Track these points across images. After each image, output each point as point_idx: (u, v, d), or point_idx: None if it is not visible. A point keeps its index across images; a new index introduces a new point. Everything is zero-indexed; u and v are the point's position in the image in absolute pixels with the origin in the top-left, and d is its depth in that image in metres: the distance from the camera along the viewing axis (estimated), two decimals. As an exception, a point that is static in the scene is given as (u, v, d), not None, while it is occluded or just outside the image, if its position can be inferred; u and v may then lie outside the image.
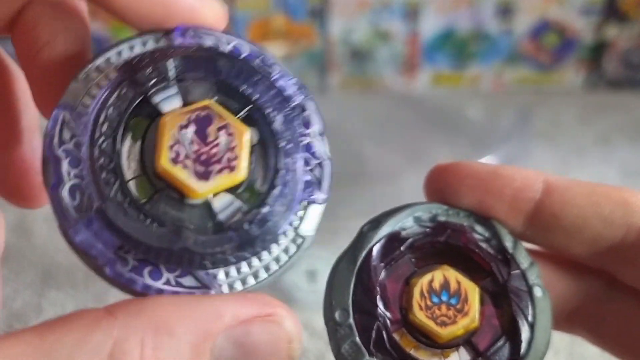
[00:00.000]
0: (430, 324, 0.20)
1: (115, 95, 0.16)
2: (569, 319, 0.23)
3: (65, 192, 0.15)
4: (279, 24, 0.63)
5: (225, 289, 0.16)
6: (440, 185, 0.22)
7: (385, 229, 0.21)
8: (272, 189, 0.16)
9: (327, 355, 0.42)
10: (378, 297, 0.20)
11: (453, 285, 0.20)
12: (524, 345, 0.20)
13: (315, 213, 0.17)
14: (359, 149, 0.59)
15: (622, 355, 0.23)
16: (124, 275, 0.15)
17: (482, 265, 0.21)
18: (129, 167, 0.15)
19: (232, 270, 0.16)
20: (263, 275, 0.17)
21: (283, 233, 0.16)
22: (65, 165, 0.15)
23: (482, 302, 0.21)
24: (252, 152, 0.16)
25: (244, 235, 0.15)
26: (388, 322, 0.20)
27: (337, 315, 0.20)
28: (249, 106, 0.16)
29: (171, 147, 0.15)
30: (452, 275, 0.21)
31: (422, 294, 0.20)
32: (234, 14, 0.63)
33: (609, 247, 0.21)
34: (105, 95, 0.16)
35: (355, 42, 0.64)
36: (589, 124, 0.62)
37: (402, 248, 0.21)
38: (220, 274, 0.16)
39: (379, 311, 0.20)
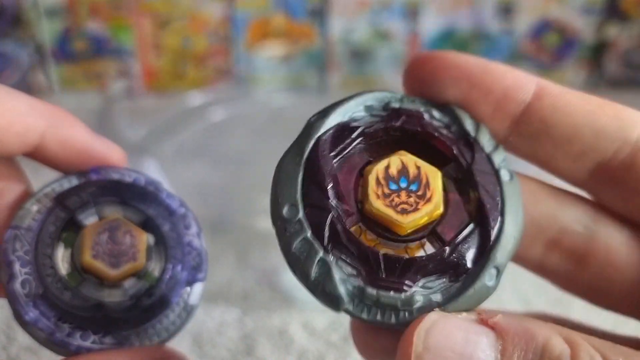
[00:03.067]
0: (390, 213, 0.18)
1: (52, 216, 0.22)
2: (547, 248, 0.21)
3: (17, 285, 0.21)
4: (278, 23, 0.63)
5: (136, 344, 0.22)
6: (421, 74, 0.20)
7: (334, 119, 0.19)
8: (165, 274, 0.22)
9: (327, 355, 0.42)
10: (329, 188, 0.18)
11: (412, 171, 0.18)
12: (494, 232, 0.19)
13: (198, 289, 0.23)
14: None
15: (600, 300, 0.22)
16: (61, 340, 0.21)
17: (443, 151, 0.19)
18: (63, 266, 0.22)
19: (141, 331, 0.22)
20: (164, 334, 0.22)
21: (175, 304, 0.22)
22: (17, 266, 0.21)
23: (445, 190, 0.19)
24: (150, 250, 0.22)
25: (146, 305, 0.22)
26: (343, 215, 0.18)
27: (284, 211, 0.18)
28: (145, 218, 0.23)
29: (92, 247, 0.22)
30: (411, 160, 0.19)
31: (378, 182, 0.18)
32: (233, 13, 0.63)
33: (598, 162, 0.20)
34: (44, 217, 0.22)
35: (355, 41, 0.64)
36: (589, 124, 0.62)
37: (352, 136, 0.19)
38: (132, 334, 0.22)
39: (332, 203, 0.18)
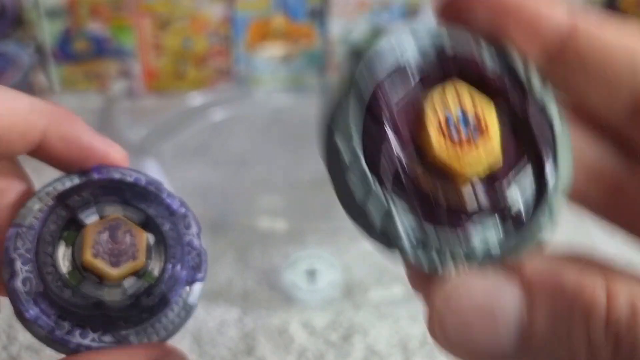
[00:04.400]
0: (454, 164, 0.18)
1: (53, 215, 0.22)
2: (586, 180, 0.21)
3: (18, 282, 0.21)
4: (278, 24, 0.63)
5: (135, 343, 0.22)
6: (453, 6, 0.20)
7: (389, 61, 0.19)
8: (165, 273, 0.22)
9: (327, 355, 0.42)
10: (391, 134, 0.18)
11: (467, 104, 0.18)
12: (549, 179, 0.19)
13: (197, 288, 0.23)
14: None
15: (635, 228, 0.21)
16: (61, 337, 0.21)
17: (497, 95, 0.19)
18: (64, 264, 0.22)
19: (140, 330, 0.22)
20: (163, 333, 0.22)
21: (175, 303, 0.23)
22: (18, 264, 0.22)
23: (501, 131, 0.19)
24: (150, 249, 0.23)
25: (145, 304, 0.22)
26: (405, 161, 0.18)
27: (347, 156, 0.18)
28: (146, 217, 0.23)
29: (92, 246, 0.22)
30: (464, 91, 0.19)
31: (437, 127, 0.18)
32: (233, 14, 0.63)
33: (635, 102, 0.19)
34: (46, 215, 0.22)
35: (354, 42, 0.64)
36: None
37: (411, 84, 0.19)
38: (131, 333, 0.22)
39: (395, 150, 0.18)
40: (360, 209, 0.18)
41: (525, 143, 0.19)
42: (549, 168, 0.19)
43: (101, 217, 0.23)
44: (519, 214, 0.19)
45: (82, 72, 0.66)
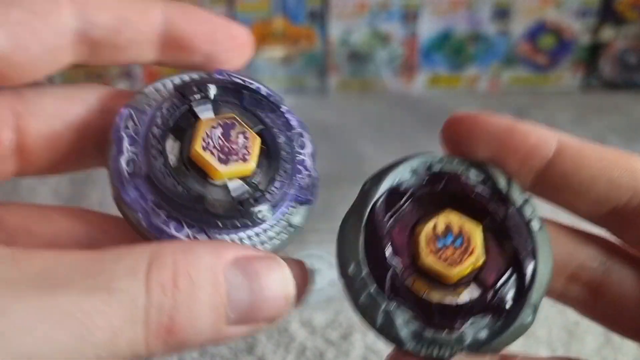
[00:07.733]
0: (440, 266, 0.21)
1: (168, 102, 0.21)
2: (568, 281, 0.23)
3: (123, 161, 0.20)
4: (278, 26, 0.63)
5: None
6: (455, 136, 0.23)
7: (386, 184, 0.22)
8: (272, 183, 0.21)
9: (326, 353, 0.42)
10: (387, 247, 0.21)
11: (455, 228, 0.21)
12: (528, 276, 0.21)
13: (304, 210, 0.22)
14: (357, 150, 0.59)
15: (613, 326, 0.23)
16: (156, 225, 0.20)
17: (480, 207, 0.22)
18: (170, 158, 0.21)
19: (236, 239, 0.21)
20: (260, 248, 0.21)
21: (277, 220, 0.21)
22: (125, 143, 0.20)
23: (485, 240, 0.22)
24: (262, 158, 0.21)
25: (248, 209, 0.20)
26: (399, 269, 0.21)
27: (350, 269, 0.21)
28: (262, 126, 0.22)
29: (203, 139, 0.20)
30: (454, 218, 0.22)
31: (427, 240, 0.21)
32: (234, 16, 0.63)
33: (613, 209, 0.22)
34: (160, 103, 0.21)
35: (354, 44, 0.64)
36: (585, 125, 0.63)
37: (403, 199, 0.22)
38: (227, 238, 0.20)
39: (390, 262, 0.21)
40: (369, 316, 0.21)
41: (508, 249, 0.22)
42: (529, 270, 0.21)
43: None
44: (505, 311, 0.21)
45: (83, 72, 0.66)
